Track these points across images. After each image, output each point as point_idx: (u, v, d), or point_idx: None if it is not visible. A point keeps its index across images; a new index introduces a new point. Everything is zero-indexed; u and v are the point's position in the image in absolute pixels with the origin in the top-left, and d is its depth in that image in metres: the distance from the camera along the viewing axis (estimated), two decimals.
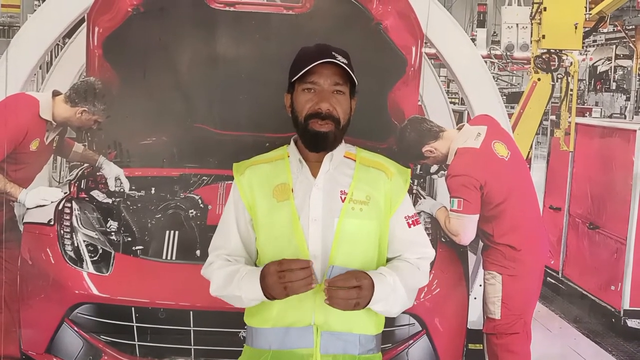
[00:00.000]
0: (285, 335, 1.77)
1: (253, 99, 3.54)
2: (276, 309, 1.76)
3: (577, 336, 4.87)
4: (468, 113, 4.22)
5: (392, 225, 1.86)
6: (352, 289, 1.66)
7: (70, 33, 4.07)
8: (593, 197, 5.41)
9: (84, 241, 3.01)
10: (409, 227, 1.88)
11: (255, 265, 1.88)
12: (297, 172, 1.83)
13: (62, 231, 3.01)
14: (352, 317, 1.74)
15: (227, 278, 1.80)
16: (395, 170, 1.89)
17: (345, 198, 1.80)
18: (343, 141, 1.88)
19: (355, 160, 1.87)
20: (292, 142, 1.88)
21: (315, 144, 1.79)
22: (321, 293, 1.68)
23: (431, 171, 3.61)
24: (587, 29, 5.41)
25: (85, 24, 3.56)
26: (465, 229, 3.08)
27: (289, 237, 1.76)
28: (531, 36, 4.93)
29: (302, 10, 3.51)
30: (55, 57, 4.44)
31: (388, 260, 1.89)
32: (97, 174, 3.54)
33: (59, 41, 4.12)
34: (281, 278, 1.65)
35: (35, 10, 6.26)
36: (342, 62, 1.76)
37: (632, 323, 4.90)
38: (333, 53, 1.77)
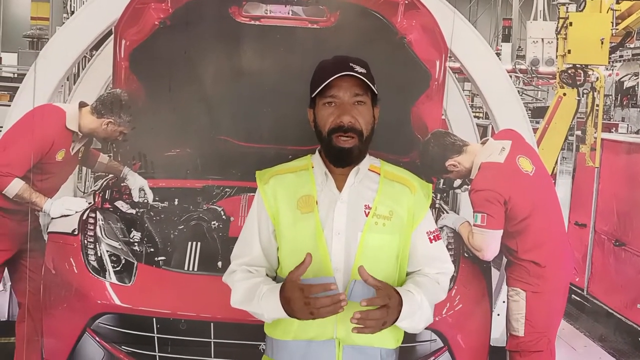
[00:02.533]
0: (307, 349, 1.77)
1: (276, 112, 3.55)
2: (297, 322, 1.74)
3: (603, 355, 4.78)
4: (492, 127, 4.19)
5: (414, 240, 1.87)
6: (382, 308, 1.64)
7: (97, 45, 4.14)
8: (619, 213, 5.34)
9: (107, 251, 3.01)
10: (431, 242, 1.89)
11: (276, 275, 1.89)
12: (321, 184, 1.83)
13: (85, 241, 3.02)
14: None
15: (248, 293, 1.80)
16: (418, 185, 1.89)
17: (369, 212, 1.80)
18: (368, 154, 1.88)
19: (379, 174, 1.87)
20: (317, 153, 1.88)
21: (340, 159, 1.80)
22: (344, 308, 1.66)
23: (454, 185, 3.58)
24: (613, 44, 5.34)
25: (112, 36, 3.61)
26: (488, 244, 3.05)
27: (312, 249, 1.75)
28: (557, 51, 4.90)
29: (326, 24, 3.52)
30: (83, 69, 4.51)
31: (407, 274, 1.90)
32: (122, 184, 3.57)
33: (87, 53, 4.18)
34: (307, 305, 1.63)
35: (63, 23, 6.39)
36: (361, 73, 1.76)
37: None
38: (351, 64, 1.77)
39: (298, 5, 3.49)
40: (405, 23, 3.51)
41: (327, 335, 1.76)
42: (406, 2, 3.48)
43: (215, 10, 3.48)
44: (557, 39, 4.86)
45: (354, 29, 3.44)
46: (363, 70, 1.77)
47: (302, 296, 1.63)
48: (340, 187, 1.83)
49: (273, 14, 3.53)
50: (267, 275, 1.87)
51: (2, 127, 4.59)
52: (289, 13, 3.53)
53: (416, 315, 1.74)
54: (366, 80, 1.76)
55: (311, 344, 1.76)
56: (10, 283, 3.54)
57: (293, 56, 3.49)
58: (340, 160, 1.80)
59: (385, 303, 1.65)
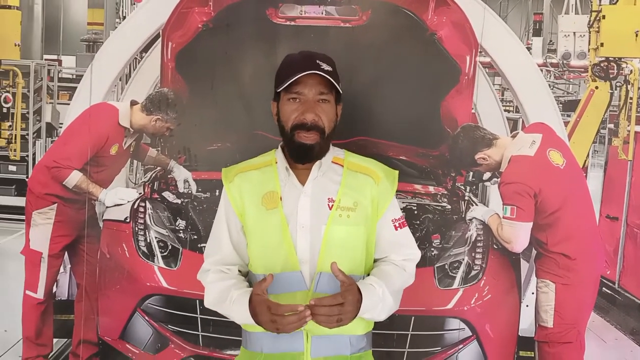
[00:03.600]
0: (276, 339, 1.72)
1: None
2: None
3: (634, 348, 4.64)
4: (523, 121, 4.09)
5: (379, 229, 1.82)
6: (335, 306, 1.59)
7: (146, 48, 4.20)
8: None
9: (156, 238, 3.07)
10: (396, 229, 1.83)
11: (248, 270, 1.84)
12: (284, 179, 1.78)
13: (136, 228, 3.08)
14: None
15: (220, 296, 1.75)
16: (382, 174, 1.82)
17: (332, 205, 1.75)
18: (331, 146, 1.82)
19: (342, 166, 1.81)
20: (279, 149, 1.83)
21: (301, 156, 1.75)
22: (311, 299, 1.64)
23: (484, 178, 3.52)
24: None
25: (160, 39, 3.67)
26: (518, 236, 2.98)
27: (279, 244, 1.72)
28: (589, 44, 4.74)
29: (358, 22, 3.49)
30: (133, 69, 4.59)
31: (375, 261, 1.85)
32: (168, 176, 3.62)
33: (137, 55, 4.26)
34: (274, 322, 1.60)
35: (116, 27, 6.53)
36: (327, 71, 1.70)
37: None
38: (318, 61, 1.71)
39: (331, 5, 3.47)
40: (435, 19, 3.45)
41: None
42: None
43: (254, 12, 3.49)
44: (590, 32, 4.69)
45: (385, 27, 3.40)
46: (329, 68, 1.72)
47: (269, 313, 1.60)
48: (303, 181, 1.77)
49: (307, 14, 3.53)
50: (240, 272, 1.83)
51: (62, 124, 4.74)
52: (322, 13, 3.52)
53: (377, 307, 1.70)
54: (331, 79, 1.71)
55: (280, 335, 1.68)
56: (69, 266, 3.62)
57: (327, 54, 3.48)
58: (301, 157, 1.75)
59: (338, 302, 1.60)
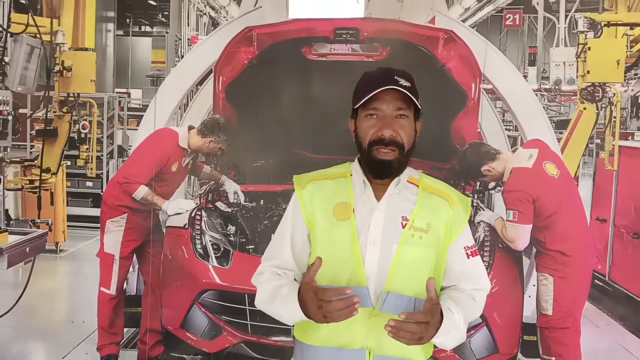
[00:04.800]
0: (337, 356, 1.45)
1: (340, 129, 3.53)
2: (326, 327, 1.41)
3: (624, 332, 4.52)
4: (521, 138, 4.03)
5: (450, 255, 1.52)
6: (421, 324, 1.33)
7: (201, 81, 4.26)
8: (636, 210, 5.06)
9: (210, 241, 3.07)
10: (468, 257, 1.53)
11: None
12: (359, 192, 1.51)
13: (193, 233, 3.09)
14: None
15: (271, 293, 1.48)
16: (457, 198, 1.54)
17: (406, 224, 1.47)
18: (409, 164, 1.55)
19: (418, 186, 1.53)
20: (356, 161, 1.55)
21: (380, 172, 1.48)
22: (375, 317, 1.41)
23: (489, 187, 3.47)
24: (628, 64, 5.05)
25: (212, 74, 3.72)
26: (520, 236, 2.94)
27: (347, 257, 1.44)
28: (577, 72, 4.66)
29: (379, 57, 3.50)
30: (190, 99, 4.65)
31: (442, 288, 1.56)
32: (220, 189, 3.63)
33: (193, 88, 4.32)
34: (319, 308, 1.34)
35: (175, 65, 6.64)
36: (405, 86, 1.44)
37: None
38: (395, 77, 1.45)
39: (356, 44, 3.48)
40: (445, 54, 3.44)
41: (357, 345, 1.44)
42: (445, 36, 3.42)
43: (291, 50, 3.51)
44: (577, 61, 4.62)
45: (402, 60, 3.39)
46: (407, 84, 1.45)
47: (315, 298, 1.34)
48: (378, 196, 1.50)
49: (336, 51, 3.54)
50: (295, 280, 1.53)
51: (131, 146, 4.80)
52: (349, 50, 3.53)
53: (451, 333, 1.41)
54: (409, 95, 1.44)
55: (341, 351, 1.44)
56: (138, 266, 3.64)
57: (353, 84, 3.48)
58: (380, 173, 1.48)
59: (427, 320, 1.34)
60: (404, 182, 1.52)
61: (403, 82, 1.45)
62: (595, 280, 5.24)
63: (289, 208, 1.58)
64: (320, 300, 1.33)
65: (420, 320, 1.33)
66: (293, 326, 1.54)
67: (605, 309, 5.02)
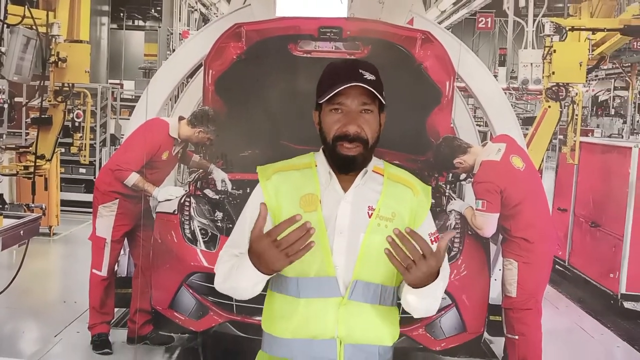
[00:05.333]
0: (309, 347, 1.35)
1: None
2: (296, 319, 1.35)
3: (581, 314, 4.61)
4: (490, 133, 4.07)
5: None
6: (417, 252, 1.23)
7: (192, 74, 4.20)
8: (594, 201, 5.13)
9: (198, 226, 3.05)
10: (431, 243, 1.41)
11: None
12: (325, 183, 1.40)
13: (183, 219, 3.06)
14: (371, 329, 1.36)
15: (228, 270, 1.37)
16: (419, 187, 1.46)
17: (372, 214, 1.38)
18: (373, 156, 1.44)
19: (383, 175, 1.43)
20: (321, 152, 1.44)
21: (344, 167, 1.38)
22: (344, 306, 1.33)
23: (460, 178, 3.50)
24: (590, 66, 5.12)
25: (202, 68, 3.66)
26: (487, 224, 2.97)
27: (314, 248, 1.30)
28: (543, 72, 4.71)
29: (361, 55, 3.47)
30: (181, 91, 4.59)
31: None
32: (209, 177, 3.60)
33: (184, 80, 4.26)
34: (279, 247, 1.22)
35: (167, 58, 6.54)
36: (370, 80, 1.33)
37: (627, 304, 4.64)
38: (360, 71, 1.33)
39: (339, 42, 3.45)
40: (422, 53, 3.43)
41: (328, 335, 1.35)
42: (423, 37, 3.42)
43: (278, 47, 3.48)
44: (544, 63, 4.68)
45: (382, 58, 3.34)
46: (372, 77, 1.34)
47: (270, 241, 1.22)
48: (344, 187, 1.40)
49: (321, 48, 3.51)
50: None
51: (123, 135, 4.73)
52: (333, 48, 3.50)
53: (428, 299, 1.33)
54: (374, 91, 1.33)
55: (312, 342, 1.35)
56: (128, 249, 3.61)
57: None
58: (344, 168, 1.39)
59: (428, 250, 1.23)
60: (369, 173, 1.43)
61: (368, 75, 1.34)
62: (556, 266, 5.32)
63: (251, 198, 1.44)
64: (276, 241, 1.22)
65: (421, 245, 1.22)
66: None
67: (564, 292, 5.11)
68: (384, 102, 1.37)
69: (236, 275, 1.33)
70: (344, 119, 1.35)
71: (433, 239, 1.44)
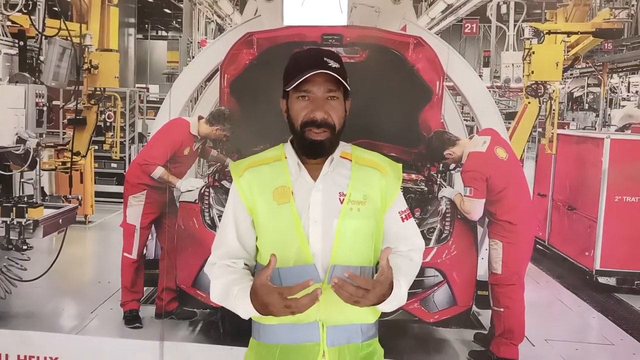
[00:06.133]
0: (292, 331, 1.28)
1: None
2: None
3: (560, 288, 4.58)
4: (477, 127, 4.03)
5: (387, 220, 1.35)
6: (360, 289, 1.17)
7: (209, 78, 4.18)
8: (571, 187, 5.09)
9: (217, 214, 3.04)
10: (402, 221, 1.37)
11: (256, 262, 1.34)
12: (295, 174, 1.31)
13: (203, 207, 3.06)
14: (352, 310, 1.24)
15: (223, 291, 1.28)
16: (389, 167, 1.36)
17: (343, 199, 1.29)
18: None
19: (351, 160, 1.34)
20: (288, 143, 1.34)
21: (312, 152, 1.29)
22: (324, 291, 1.21)
23: (450, 168, 3.47)
24: (565, 66, 5.06)
25: (218, 72, 3.64)
26: (475, 209, 2.95)
27: (291, 238, 1.27)
28: (523, 72, 4.66)
29: (359, 59, 3.44)
30: (200, 94, 4.57)
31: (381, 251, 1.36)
32: (226, 169, 3.59)
33: (203, 84, 4.24)
34: (288, 307, 1.16)
35: (187, 64, 6.50)
36: (334, 69, 1.25)
37: (601, 279, 4.60)
38: (325, 59, 1.26)
39: (340, 47, 3.41)
40: (414, 56, 3.40)
41: (310, 318, 1.26)
42: (415, 42, 3.38)
43: (286, 52, 3.40)
44: (524, 63, 4.63)
45: (379, 61, 3.35)
46: (336, 65, 1.26)
47: (281, 299, 1.15)
48: (313, 176, 1.31)
49: None
50: (246, 265, 1.34)
51: (150, 133, 4.72)
52: None
53: (393, 303, 1.26)
54: (339, 77, 1.25)
55: (295, 327, 1.27)
56: (155, 234, 3.61)
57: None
58: (313, 153, 1.29)
59: (366, 288, 1.17)
60: (337, 159, 1.33)
61: (332, 63, 1.25)
62: (537, 245, 5.29)
63: (229, 197, 1.35)
64: (287, 300, 1.15)
65: (361, 285, 1.16)
66: None
67: (544, 268, 5.08)
68: (348, 89, 1.29)
69: (234, 305, 1.25)
70: (311, 106, 1.27)
71: (404, 217, 1.37)
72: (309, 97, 1.27)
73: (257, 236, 1.33)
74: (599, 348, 3.52)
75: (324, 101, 1.27)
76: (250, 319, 1.31)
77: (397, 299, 1.26)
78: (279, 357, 1.29)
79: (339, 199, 1.30)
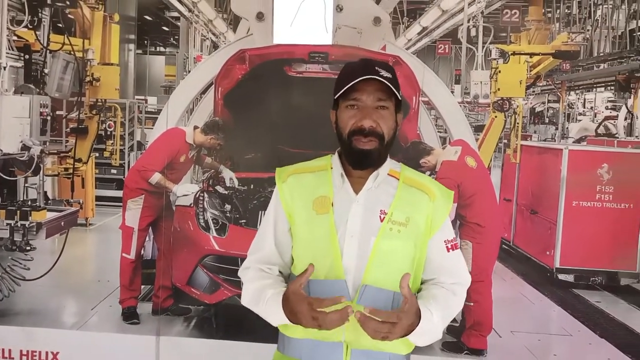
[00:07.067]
0: (315, 348, 1.15)
1: (314, 129, 3.52)
2: None
3: (524, 285, 4.64)
4: (449, 138, 4.09)
5: (430, 248, 1.19)
6: (386, 324, 1.03)
7: (204, 91, 4.16)
8: (533, 193, 5.20)
9: (211, 217, 3.03)
10: (448, 251, 1.21)
11: (290, 272, 1.22)
12: (338, 186, 1.18)
13: (197, 210, 3.04)
14: None
15: (255, 295, 1.17)
16: (438, 192, 1.20)
17: (384, 218, 1.15)
18: (388, 157, 1.20)
19: (398, 179, 1.19)
20: (336, 154, 1.22)
21: (359, 161, 1.16)
22: (364, 309, 1.07)
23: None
24: (528, 84, 5.19)
25: (213, 85, 3.63)
26: None
27: (325, 251, 1.14)
28: (490, 89, 4.77)
29: None
30: (195, 105, 4.54)
31: (422, 282, 1.22)
32: (219, 176, 3.57)
33: (198, 96, 4.21)
34: (315, 320, 1.05)
35: (184, 78, 6.46)
36: (386, 77, 1.13)
37: (561, 276, 4.67)
38: (376, 68, 1.14)
39: (326, 64, 3.43)
40: None
41: (335, 338, 1.13)
42: (393, 60, 3.41)
43: (275, 68, 3.45)
44: (491, 81, 4.74)
45: None
46: (388, 75, 1.14)
47: (309, 310, 1.05)
48: (356, 190, 1.18)
49: (310, 69, 3.49)
50: (280, 272, 1.22)
51: (148, 141, 4.66)
52: (320, 69, 3.48)
53: (426, 335, 1.10)
54: (390, 86, 1.13)
55: (320, 344, 1.14)
56: (153, 236, 3.57)
57: (323, 94, 3.43)
58: (360, 163, 1.16)
59: (392, 321, 1.04)
60: (383, 175, 1.19)
61: (384, 72, 1.14)
62: (503, 245, 5.39)
63: (271, 202, 1.24)
64: (315, 312, 1.05)
65: (385, 319, 1.03)
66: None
67: (510, 266, 5.14)
68: (400, 99, 1.17)
69: (265, 310, 1.14)
70: (360, 114, 1.15)
71: (450, 247, 1.21)
72: (358, 105, 1.15)
73: (292, 245, 1.21)
74: (559, 338, 3.57)
75: (373, 110, 1.15)
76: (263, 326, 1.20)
77: (430, 331, 1.10)
78: None
79: (380, 217, 1.16)
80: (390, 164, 1.22)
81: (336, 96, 1.18)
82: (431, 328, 1.11)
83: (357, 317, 1.04)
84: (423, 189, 1.20)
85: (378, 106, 1.15)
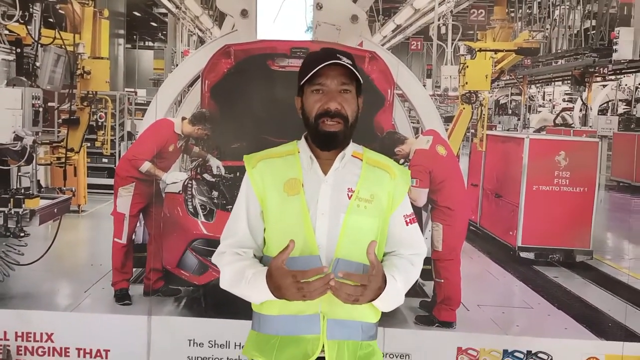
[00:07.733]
0: (293, 323, 1.16)
1: (294, 120, 3.49)
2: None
3: (489, 262, 4.73)
4: (421, 129, 4.12)
5: (392, 223, 1.23)
6: (358, 287, 1.07)
7: (192, 84, 4.06)
8: (497, 178, 5.28)
9: (199, 203, 3.01)
10: (407, 225, 1.25)
11: (262, 254, 1.23)
12: (307, 168, 1.20)
13: (186, 197, 3.02)
14: (355, 306, 1.11)
15: (235, 277, 1.17)
16: (398, 171, 1.25)
17: (351, 195, 1.18)
18: (351, 140, 1.24)
19: (362, 160, 1.23)
20: (302, 139, 1.24)
21: (326, 143, 1.18)
22: (337, 273, 1.10)
23: (399, 163, 3.52)
24: (493, 78, 5.27)
25: (200, 78, 3.55)
26: (420, 197, 3.01)
27: (299, 229, 1.15)
28: (459, 83, 4.82)
29: None
30: (183, 97, 4.45)
31: (384, 254, 1.25)
32: (207, 164, 3.52)
33: (186, 88, 4.12)
34: (300, 290, 1.06)
35: (172, 71, 6.30)
36: (347, 63, 1.16)
37: (523, 254, 4.77)
38: (338, 55, 1.16)
39: None
40: (369, 68, 3.41)
41: (312, 310, 1.15)
42: (370, 56, 3.40)
43: (259, 63, 3.39)
44: (459, 75, 4.79)
45: None
46: (349, 62, 1.17)
47: (294, 282, 1.06)
48: (324, 171, 1.20)
49: (292, 64, 3.44)
50: (254, 255, 1.23)
51: (138, 132, 4.56)
52: None
53: (391, 300, 1.15)
54: (353, 69, 1.15)
55: (297, 318, 1.15)
56: (144, 221, 3.51)
57: None
58: (327, 144, 1.18)
59: (363, 283, 1.07)
60: (348, 156, 1.22)
61: (345, 59, 1.16)
62: (470, 227, 5.47)
63: (242, 188, 1.24)
64: (299, 283, 1.06)
65: (358, 282, 1.07)
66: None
67: (477, 246, 5.21)
68: (361, 84, 1.19)
69: (248, 289, 1.15)
70: (325, 98, 1.16)
71: (408, 221, 1.25)
72: (323, 90, 1.17)
73: (265, 227, 1.21)
74: (521, 311, 3.68)
75: (338, 93, 1.17)
76: (232, 300, 1.20)
77: (394, 297, 1.15)
78: (279, 348, 1.16)
79: (348, 194, 1.19)
80: (353, 147, 1.25)
81: (302, 82, 1.19)
82: (395, 294, 1.16)
83: (331, 286, 1.06)
84: (385, 168, 1.24)
85: (342, 90, 1.17)
